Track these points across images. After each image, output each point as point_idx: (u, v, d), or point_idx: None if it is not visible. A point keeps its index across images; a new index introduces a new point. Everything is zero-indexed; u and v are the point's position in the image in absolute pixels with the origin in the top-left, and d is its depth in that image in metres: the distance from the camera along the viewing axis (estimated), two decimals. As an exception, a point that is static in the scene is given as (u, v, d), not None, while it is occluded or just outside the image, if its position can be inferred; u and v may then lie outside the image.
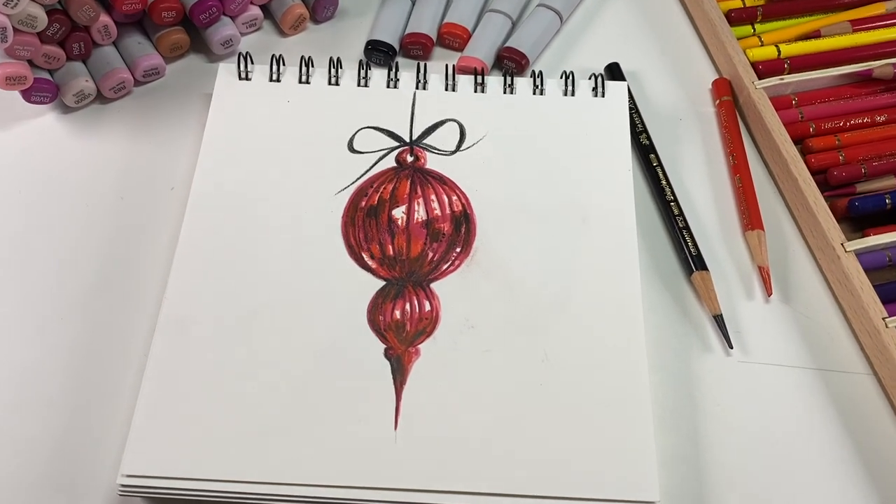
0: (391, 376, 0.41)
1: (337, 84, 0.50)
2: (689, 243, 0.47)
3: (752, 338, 0.44)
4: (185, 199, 0.47)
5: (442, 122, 0.49)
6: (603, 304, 0.43)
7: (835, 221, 0.46)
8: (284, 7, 0.54)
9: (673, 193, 0.48)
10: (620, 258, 0.44)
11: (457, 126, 0.49)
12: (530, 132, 0.49)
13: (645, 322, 0.43)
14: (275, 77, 0.50)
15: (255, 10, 0.54)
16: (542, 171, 0.47)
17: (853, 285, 0.44)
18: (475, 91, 0.50)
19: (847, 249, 0.45)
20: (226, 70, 0.51)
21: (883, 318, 0.42)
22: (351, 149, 0.48)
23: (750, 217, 0.48)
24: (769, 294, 0.46)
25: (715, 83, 0.54)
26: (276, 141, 0.48)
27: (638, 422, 0.40)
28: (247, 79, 0.50)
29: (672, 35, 0.57)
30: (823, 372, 0.43)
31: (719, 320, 0.44)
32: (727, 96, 0.52)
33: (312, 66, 0.51)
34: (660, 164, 0.49)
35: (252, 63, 0.50)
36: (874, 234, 0.46)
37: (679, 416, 0.42)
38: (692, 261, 0.46)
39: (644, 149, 0.50)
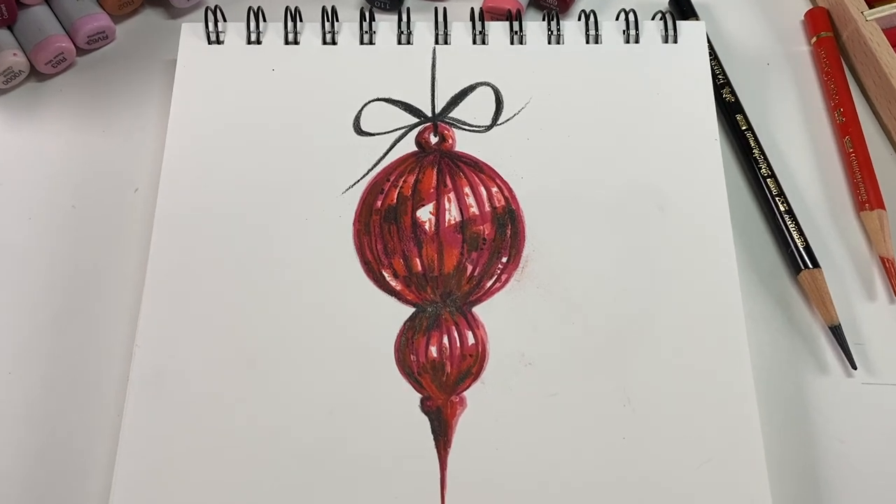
0: (431, 437, 0.32)
1: (333, 43, 0.39)
2: (795, 233, 0.37)
3: (877, 351, 0.35)
4: (154, 203, 0.37)
5: (472, 88, 0.38)
6: (696, 323, 0.33)
7: (980, 195, 0.36)
8: (260, -59, 0.43)
9: (769, 167, 0.38)
10: (713, 258, 0.35)
11: (491, 92, 0.38)
12: (585, 95, 0.38)
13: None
14: (253, 38, 0.39)
15: (223, -53, 0.42)
16: (604, 147, 0.37)
17: None
18: (511, 42, 0.39)
19: None
20: (190, 32, 0.40)
21: None
22: (358, 129, 0.38)
23: (867, 192, 0.38)
24: (897, 293, 0.36)
25: (809, 15, 0.42)
26: (260, 124, 0.37)
27: (751, 481, 0.31)
28: (218, 42, 0.39)
29: (747, -49, 0.45)
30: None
31: (837, 332, 0.35)
32: (826, 31, 0.41)
33: (301, 19, 0.39)
34: (749, 128, 0.39)
35: (223, 20, 0.39)
36: None
37: (793, 457, 0.33)
38: (799, 256, 0.36)
39: (728, 108, 0.40)
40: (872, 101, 0.41)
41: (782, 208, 0.37)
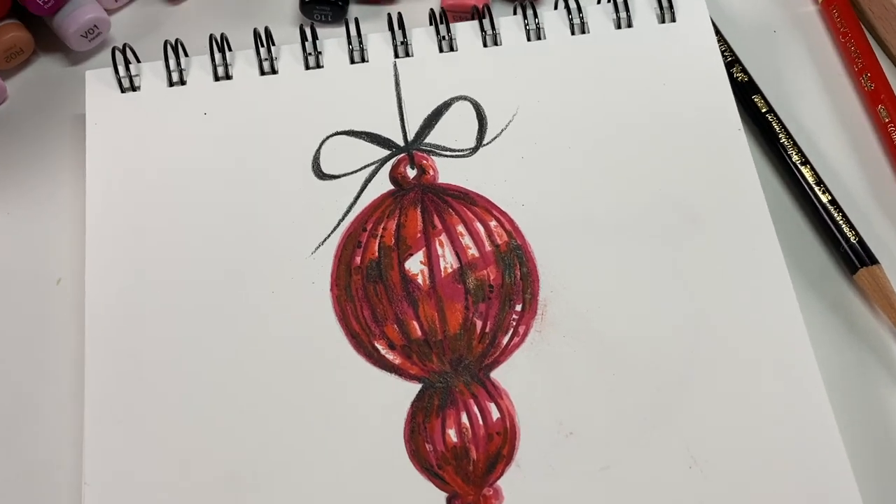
0: (468, 545, 0.26)
1: (273, 72, 0.33)
2: (844, 226, 0.32)
3: (958, 351, 0.31)
4: (83, 294, 0.30)
5: (447, 105, 0.32)
6: (755, 352, 0.28)
7: None
8: (166, -41, 0.36)
9: (801, 153, 0.33)
10: (760, 269, 0.29)
11: (470, 107, 0.32)
12: (580, 96, 0.32)
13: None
14: (175, 78, 0.33)
15: (123, -27, 0.35)
16: (612, 157, 0.31)
17: None
18: (484, 45, 0.33)
19: None
20: (98, 80, 0.32)
21: None
22: (318, 173, 0.31)
23: (914, 166, 0.33)
24: (971, 281, 0.31)
25: (811, -31, 0.37)
26: (198, 182, 0.31)
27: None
28: (133, 88, 0.32)
29: None
30: None
31: (912, 335, 0.30)
32: (833, -14, 0.36)
33: (229, 48, 0.33)
34: (770, 110, 0.34)
35: (136, 60, 0.33)
36: None
37: (883, 494, 0.28)
38: (854, 253, 0.31)
39: (742, 89, 0.34)
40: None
41: (825, 199, 0.32)
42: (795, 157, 0.33)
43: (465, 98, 0.32)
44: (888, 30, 0.35)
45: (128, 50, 0.32)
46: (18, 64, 0.35)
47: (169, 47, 0.32)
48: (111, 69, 0.32)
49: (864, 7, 0.36)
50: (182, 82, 0.32)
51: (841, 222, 0.32)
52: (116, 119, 0.32)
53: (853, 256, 0.31)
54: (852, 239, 0.31)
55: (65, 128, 0.34)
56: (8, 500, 0.28)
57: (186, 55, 0.33)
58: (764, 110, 0.34)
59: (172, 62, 0.32)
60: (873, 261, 0.31)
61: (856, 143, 0.34)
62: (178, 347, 0.28)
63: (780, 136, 0.33)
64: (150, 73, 0.33)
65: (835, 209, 0.32)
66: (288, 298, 0.29)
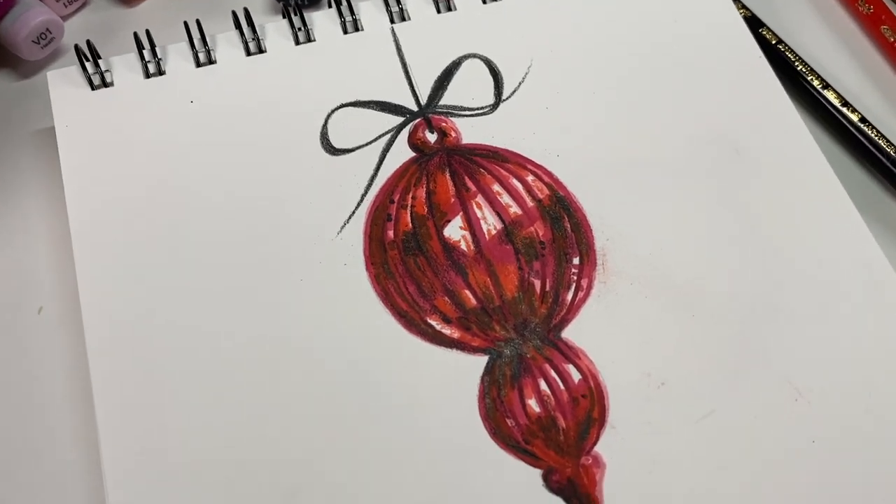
0: (577, 522, 0.23)
1: (261, 51, 0.30)
2: (881, 142, 0.30)
3: None
4: (69, 322, 0.26)
5: (457, 65, 0.30)
6: (832, 271, 0.26)
7: None
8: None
9: (820, 77, 0.32)
10: (816, 188, 0.28)
11: (481, 63, 0.30)
12: (594, 42, 0.30)
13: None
14: (153, 69, 0.29)
15: (72, -26, 0.32)
16: (639, 98, 0.29)
17: None
18: (484, 1, 0.31)
19: None
20: (62, 80, 0.29)
21: None
22: (329, 148, 0.28)
23: (932, 78, 0.32)
24: None
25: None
26: (196, 175, 0.27)
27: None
28: (105, 84, 0.29)
29: None
30: None
31: (974, 241, 0.29)
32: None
33: (205, 39, 0.30)
34: (780, 41, 0.33)
35: (98, 57, 0.29)
36: None
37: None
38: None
39: (747, 23, 0.33)
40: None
41: (855, 118, 0.31)
42: (817, 83, 0.32)
43: (474, 56, 0.30)
44: (872, -44, 0.35)
45: (91, 46, 0.29)
46: (-38, 80, 0.31)
47: (138, 40, 0.29)
48: (75, 67, 0.29)
49: (843, -61, 0.36)
50: (160, 72, 0.29)
51: (877, 138, 0.31)
52: (90, 118, 0.28)
53: (896, 171, 0.30)
54: (893, 154, 0.30)
55: (26, 147, 0.30)
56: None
57: (155, 46, 0.29)
58: (774, 42, 0.33)
59: (147, 53, 0.29)
60: (919, 171, 0.30)
61: (865, 67, 0.33)
62: (200, 359, 0.24)
63: (797, 63, 0.32)
64: (123, 66, 0.29)
65: (867, 126, 0.31)
66: (320, 286, 0.26)
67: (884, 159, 0.30)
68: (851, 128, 0.31)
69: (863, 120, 0.31)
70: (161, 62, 0.29)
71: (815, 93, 0.32)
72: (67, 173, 0.27)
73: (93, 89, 0.28)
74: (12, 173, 0.29)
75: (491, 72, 0.30)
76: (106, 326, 0.25)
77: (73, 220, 0.26)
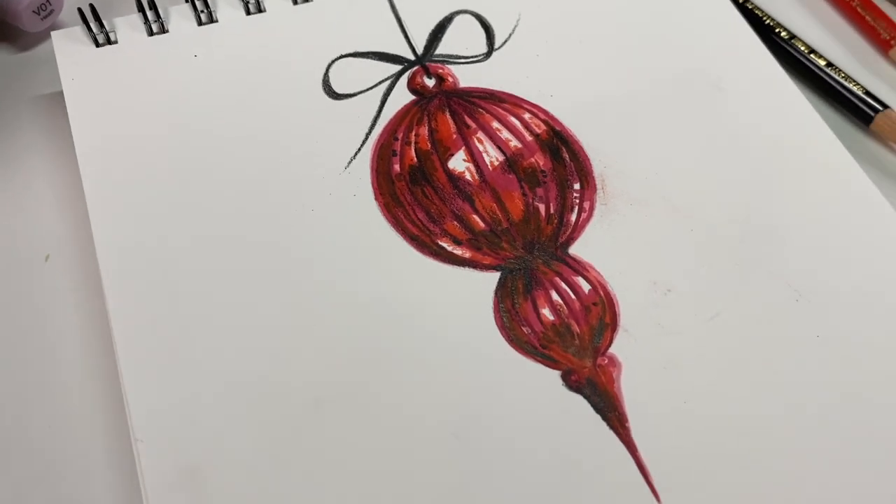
0: (599, 417, 0.23)
1: (260, 10, 0.31)
2: (847, 82, 0.33)
3: (980, 177, 0.31)
4: (75, 269, 0.26)
5: (448, 20, 0.31)
6: (817, 186, 0.28)
7: None
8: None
9: (785, 28, 0.34)
10: (794, 115, 0.29)
11: (472, 18, 0.31)
12: (576, -1, 0.32)
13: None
14: (156, 29, 0.30)
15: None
16: (621, 44, 0.31)
17: None
18: (471, -36, 0.33)
19: None
20: (67, 38, 0.29)
21: None
22: (331, 93, 0.29)
23: (888, 28, 0.34)
24: (971, 114, 0.33)
25: None
26: (202, 120, 0.28)
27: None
28: (109, 42, 0.30)
29: None
30: None
31: (941, 166, 0.31)
32: None
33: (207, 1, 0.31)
34: (747, 0, 0.35)
35: (101, 20, 0.30)
36: None
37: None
38: (864, 103, 0.32)
39: (716, -14, 0.35)
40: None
41: (822, 63, 0.33)
42: (784, 34, 0.34)
43: (465, 11, 0.31)
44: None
45: (93, 9, 0.30)
46: (-38, 50, 0.31)
47: (139, 1, 0.30)
48: (79, 28, 0.29)
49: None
50: (164, 31, 0.30)
51: (843, 80, 0.33)
52: (95, 73, 0.29)
53: (865, 107, 0.32)
54: (859, 91, 0.32)
55: (29, 110, 0.30)
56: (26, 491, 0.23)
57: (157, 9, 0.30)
58: (742, 1, 0.35)
59: (150, 14, 0.30)
60: (885, 106, 0.32)
61: (825, 24, 0.36)
62: (219, 283, 0.25)
63: (765, 18, 0.34)
64: (126, 26, 0.30)
65: (833, 70, 0.33)
66: (331, 215, 0.26)
67: (852, 98, 0.32)
68: (819, 71, 0.33)
69: (829, 64, 0.33)
70: (164, 22, 0.30)
71: (781, 42, 0.34)
72: (76, 123, 0.27)
73: (97, 47, 0.29)
74: (17, 134, 0.30)
75: (482, 25, 0.31)
76: (119, 257, 0.25)
77: (83, 167, 0.27)
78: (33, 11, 0.31)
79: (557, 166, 0.28)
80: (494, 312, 0.25)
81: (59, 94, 0.30)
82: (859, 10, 0.35)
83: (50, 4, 0.32)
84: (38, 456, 0.23)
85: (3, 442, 0.24)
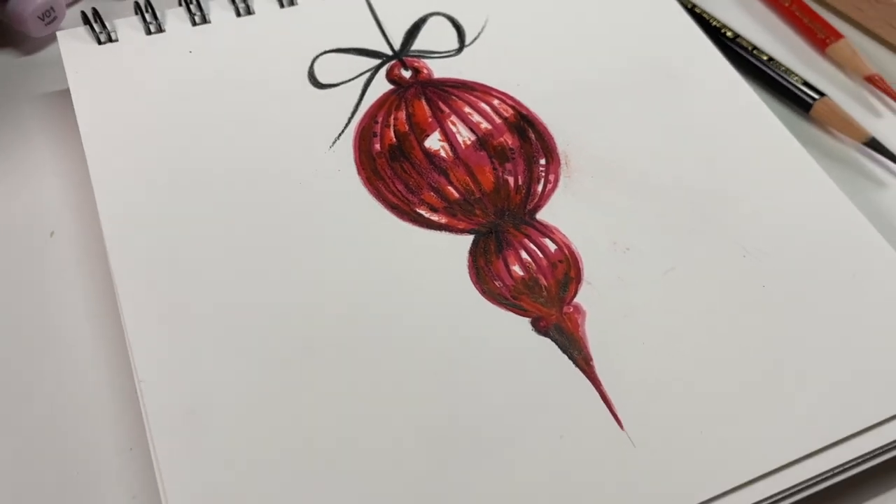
0: (565, 357, 0.25)
1: (250, 13, 0.34)
2: (787, 74, 0.36)
3: (910, 157, 0.34)
4: (81, 243, 0.28)
5: (423, 20, 0.34)
6: (762, 160, 0.30)
7: (917, 2, 0.37)
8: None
9: (730, 28, 0.37)
10: (738, 99, 0.32)
11: (444, 19, 0.34)
12: (540, 2, 0.35)
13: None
14: (154, 28, 0.33)
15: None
16: (581, 37, 0.34)
17: None
18: (442, -25, 0.36)
19: (953, 23, 0.36)
20: (71, 37, 0.32)
21: None
22: (316, 84, 0.31)
23: (824, 30, 0.38)
24: (899, 100, 0.36)
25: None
26: (197, 104, 0.30)
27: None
28: (110, 40, 0.32)
29: None
30: None
31: (874, 143, 0.34)
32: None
33: (200, 4, 0.33)
34: (695, 5, 0.38)
35: (102, 23, 0.32)
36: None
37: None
38: (802, 93, 0.35)
39: (666, -6, 0.39)
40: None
41: (764, 58, 0.36)
42: (729, 34, 0.37)
43: (437, 13, 0.34)
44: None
45: (96, 14, 0.32)
46: (-29, 51, 0.33)
47: (138, 6, 0.33)
48: (83, 28, 0.32)
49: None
50: (160, 30, 0.32)
51: (784, 73, 0.36)
52: (98, 66, 0.31)
53: (804, 96, 0.35)
54: (798, 82, 0.35)
55: (34, 106, 0.33)
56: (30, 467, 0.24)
57: (155, 13, 0.33)
58: (689, 6, 0.38)
59: (148, 17, 0.32)
60: (822, 94, 0.35)
61: (767, 27, 0.39)
62: (217, 247, 0.27)
63: (712, 21, 0.38)
64: (126, 27, 0.32)
65: (775, 64, 0.36)
66: (318, 186, 0.28)
67: (793, 87, 0.35)
68: (762, 65, 0.36)
69: (770, 59, 0.36)
70: (160, 23, 0.33)
71: (727, 42, 0.37)
72: (80, 108, 0.30)
73: (100, 44, 0.32)
74: (25, 124, 0.32)
75: (454, 24, 0.34)
76: (122, 223, 0.27)
77: (87, 149, 0.29)
78: (38, 17, 0.34)
79: (524, 144, 0.30)
80: (469, 269, 0.27)
81: (63, 92, 0.33)
82: (797, 13, 0.39)
83: (54, 11, 0.34)
84: (49, 400, 0.25)
85: (16, 390, 0.25)
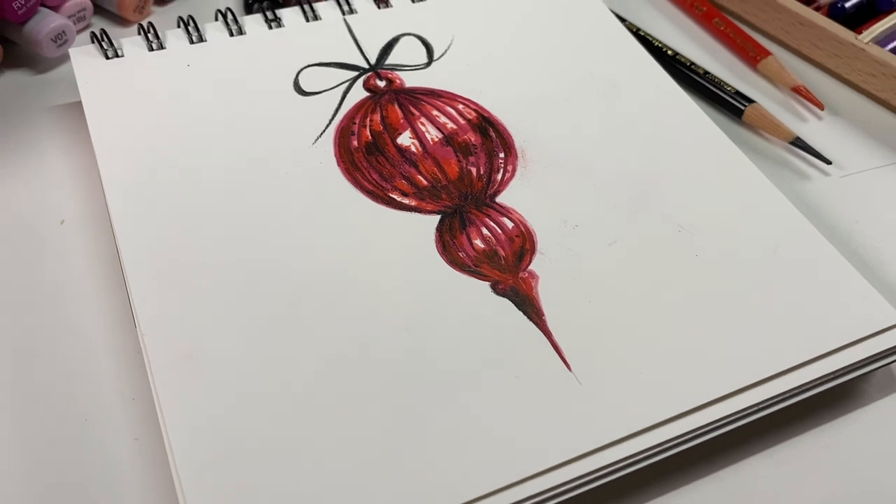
0: (520, 313, 0.29)
1: (241, 33, 0.38)
2: (722, 84, 0.40)
3: (833, 155, 0.39)
4: (88, 230, 0.32)
5: (396, 40, 0.38)
6: (698, 157, 0.34)
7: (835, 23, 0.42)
8: (119, -15, 0.41)
9: (670, 48, 0.42)
10: (673, 103, 0.36)
11: (415, 38, 0.39)
12: (499, 24, 0.40)
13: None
14: (155, 45, 0.37)
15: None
16: (538, 55, 0.38)
17: (894, 67, 0.40)
18: (413, 0, 0.41)
19: (865, 41, 0.41)
20: (81, 54, 0.36)
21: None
22: (300, 92, 0.35)
23: (754, 48, 0.42)
24: (821, 107, 0.40)
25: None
26: (196, 112, 0.34)
27: (821, 252, 0.31)
28: (118, 55, 0.36)
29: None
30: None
31: (799, 142, 0.38)
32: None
33: (197, 26, 0.38)
34: (638, 28, 0.43)
35: (109, 41, 0.36)
36: (866, 30, 0.43)
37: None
38: (735, 100, 0.40)
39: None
40: (714, -2, 0.47)
41: (701, 71, 0.41)
42: (669, 52, 0.42)
43: (408, 34, 0.39)
44: (700, -22, 0.47)
45: (105, 33, 0.36)
46: (-10, 70, 0.37)
47: (142, 29, 0.37)
48: (92, 46, 0.36)
49: (678, -30, 0.48)
50: (162, 48, 0.36)
51: (718, 84, 0.40)
52: (106, 77, 0.35)
53: (736, 103, 0.39)
54: (731, 91, 0.40)
55: (48, 115, 0.36)
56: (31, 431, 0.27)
57: (157, 38, 0.37)
58: (634, 30, 0.43)
59: (151, 37, 0.36)
60: (752, 101, 0.39)
61: (702, 46, 0.44)
62: (215, 224, 0.30)
63: (654, 41, 0.42)
64: (131, 45, 0.36)
65: (710, 76, 0.41)
66: (302, 175, 0.32)
67: (726, 96, 0.40)
68: (699, 78, 0.41)
69: (706, 73, 0.41)
70: (161, 41, 0.37)
71: (669, 59, 0.41)
72: (90, 111, 0.33)
73: (107, 59, 0.36)
74: (39, 130, 0.36)
75: (423, 43, 0.38)
76: (125, 194, 0.30)
77: (98, 149, 0.32)
78: (51, 40, 0.38)
79: (486, 141, 0.34)
80: (436, 243, 0.30)
81: (74, 104, 0.37)
82: (731, 35, 0.43)
83: (65, 34, 0.38)
84: (59, 364, 0.28)
85: (30, 356, 0.28)
